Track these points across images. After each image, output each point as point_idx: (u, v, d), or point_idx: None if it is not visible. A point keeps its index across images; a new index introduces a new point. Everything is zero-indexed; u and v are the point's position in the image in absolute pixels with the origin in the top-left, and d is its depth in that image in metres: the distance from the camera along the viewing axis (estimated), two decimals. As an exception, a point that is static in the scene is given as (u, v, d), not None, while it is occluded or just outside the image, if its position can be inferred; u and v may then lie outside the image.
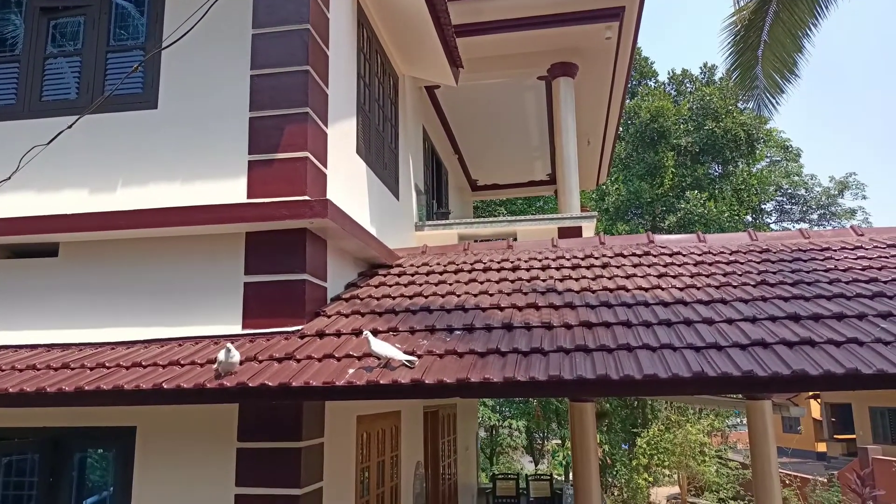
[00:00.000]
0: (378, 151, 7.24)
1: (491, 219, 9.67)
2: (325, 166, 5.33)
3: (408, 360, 3.96)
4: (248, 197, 4.98)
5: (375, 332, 4.50)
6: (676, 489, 22.33)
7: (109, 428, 4.84)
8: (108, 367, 4.36)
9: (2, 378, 4.32)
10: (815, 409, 31.38)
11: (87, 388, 3.99)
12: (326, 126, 5.40)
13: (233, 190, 5.02)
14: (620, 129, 14.04)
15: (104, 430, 4.86)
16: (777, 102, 8.26)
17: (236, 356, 4.02)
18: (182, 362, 4.31)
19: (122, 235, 5.08)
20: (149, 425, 4.79)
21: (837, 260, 5.69)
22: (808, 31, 7.80)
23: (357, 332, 4.69)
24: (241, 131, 5.10)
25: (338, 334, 4.70)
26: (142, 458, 4.76)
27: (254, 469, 4.53)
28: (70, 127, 4.47)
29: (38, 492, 4.77)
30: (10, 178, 4.46)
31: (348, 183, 6.02)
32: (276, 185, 4.95)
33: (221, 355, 3.97)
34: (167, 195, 5.09)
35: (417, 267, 6.60)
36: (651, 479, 21.21)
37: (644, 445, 21.10)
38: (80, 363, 4.46)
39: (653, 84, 31.19)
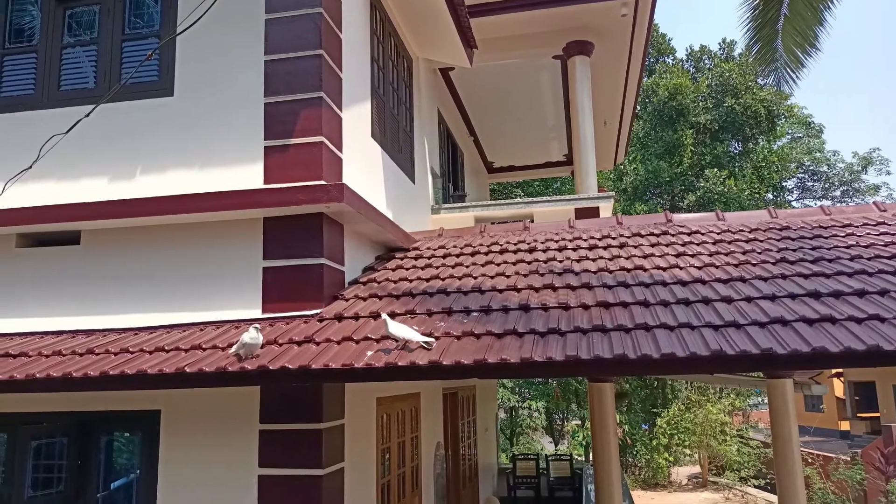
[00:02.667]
0: (393, 135, 7.23)
1: (507, 201, 9.64)
2: (341, 150, 5.35)
3: (425, 342, 3.98)
4: (265, 182, 5.02)
5: (393, 315, 4.53)
6: (697, 468, 22.31)
7: (135, 412, 4.94)
8: (132, 352, 4.44)
9: (29, 364, 4.42)
10: (838, 387, 31.08)
11: (111, 372, 4.07)
12: (341, 110, 5.41)
13: (250, 176, 5.06)
14: (638, 107, 13.89)
15: (130, 413, 4.97)
16: (797, 77, 8.09)
17: (259, 338, 4.07)
18: (204, 346, 4.38)
19: (143, 222, 5.14)
20: (173, 409, 4.88)
21: (859, 236, 5.61)
22: (829, 3, 7.62)
23: (375, 315, 4.73)
24: (256, 117, 5.13)
25: (356, 317, 4.74)
26: (167, 440, 4.86)
27: (276, 450, 4.61)
28: (88, 115, 4.52)
29: (67, 474, 4.89)
30: (31, 167, 4.53)
31: (364, 167, 6.03)
32: (292, 170, 4.98)
33: (246, 336, 4.01)
34: (185, 182, 5.14)
35: (434, 250, 6.62)
36: (672, 458, 21.20)
37: (664, 425, 21.08)
38: (104, 349, 4.55)
39: (671, 61, 30.73)
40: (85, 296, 5.24)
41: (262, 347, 4.20)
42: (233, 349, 4.10)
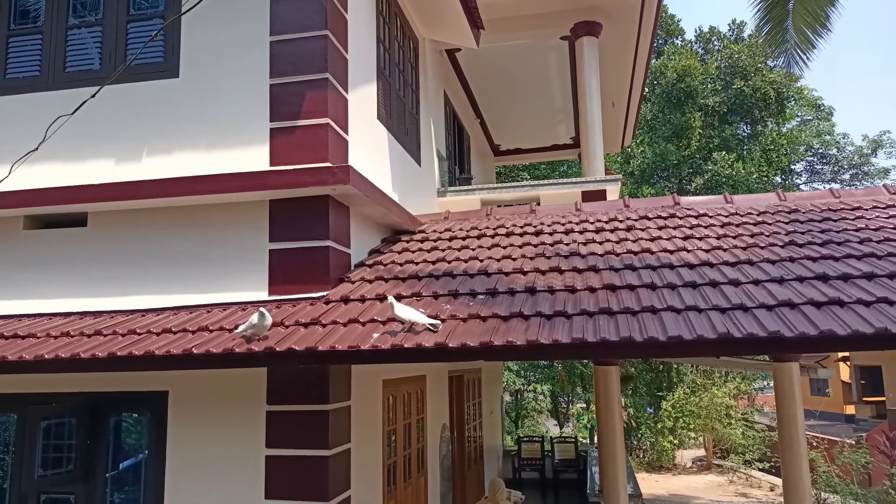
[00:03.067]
0: (399, 117, 7.19)
1: (514, 184, 9.59)
2: (347, 132, 5.32)
3: (431, 324, 3.98)
4: (271, 164, 5.00)
5: (399, 298, 4.52)
6: (702, 452, 22.38)
7: (143, 393, 4.98)
8: (140, 334, 4.46)
9: (38, 345, 4.45)
10: (844, 371, 31.03)
11: (119, 353, 4.10)
12: (347, 92, 5.38)
13: (256, 157, 5.04)
14: (646, 89, 13.74)
15: (138, 394, 5.01)
16: (808, 59, 8.00)
17: (269, 319, 4.08)
18: (211, 328, 4.40)
19: (149, 204, 5.15)
20: (181, 390, 4.92)
21: (869, 219, 5.57)
22: (842, -17, 7.51)
23: (381, 298, 4.73)
24: (262, 98, 5.10)
25: (362, 300, 4.74)
26: (175, 421, 4.90)
27: (283, 431, 4.64)
28: (94, 96, 4.51)
29: (76, 454, 4.95)
30: (37, 148, 4.53)
31: (370, 149, 6.01)
32: (298, 152, 4.96)
33: (255, 318, 4.03)
34: (191, 164, 5.13)
35: (440, 233, 6.61)
36: (676, 441, 21.28)
37: (669, 409, 21.13)
38: (112, 330, 4.57)
39: (679, 42, 30.39)
40: (92, 278, 5.26)
41: (269, 329, 4.22)
42: (240, 329, 4.11)
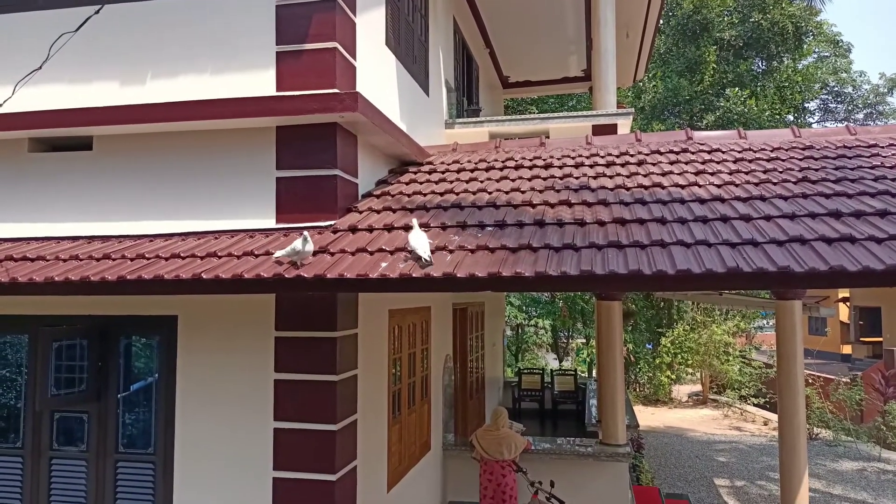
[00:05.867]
0: (408, 44, 7.00)
1: (523, 116, 9.42)
2: (354, 58, 5.19)
3: (425, 259, 3.92)
4: (278, 90, 4.90)
5: (408, 228, 4.47)
6: (698, 387, 22.87)
7: (152, 317, 5.05)
8: (148, 258, 4.48)
9: (47, 267, 4.48)
10: (844, 312, 31.31)
11: (129, 277, 4.12)
12: (355, 15, 5.21)
13: (262, 82, 4.94)
14: (661, 20, 13.29)
15: (147, 318, 5.07)
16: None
17: (311, 245, 4.06)
18: (219, 254, 4.40)
19: (155, 129, 5.07)
20: (190, 315, 4.98)
21: (885, 157, 5.47)
22: None
23: (389, 228, 4.72)
24: (268, 20, 4.95)
25: (370, 229, 4.73)
26: (184, 345, 4.98)
27: (292, 356, 4.72)
28: (97, 12, 4.37)
29: (88, 375, 5.05)
30: (40, 67, 4.44)
31: (378, 76, 5.87)
32: (305, 77, 4.85)
33: (298, 243, 4.01)
34: (197, 88, 5.02)
35: (448, 164, 6.53)
36: (674, 376, 21.70)
37: (668, 345, 21.46)
38: (120, 254, 4.59)
39: (697, -28, 29.20)
40: (99, 202, 5.24)
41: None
42: (280, 253, 4.06)
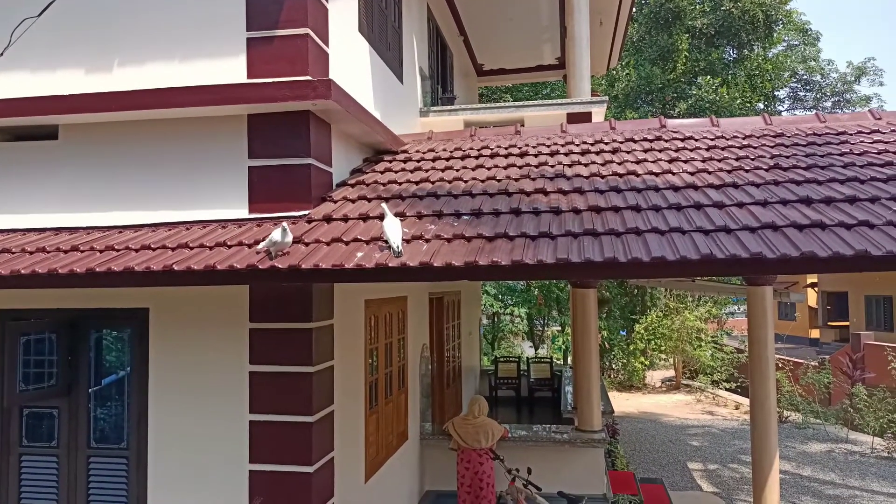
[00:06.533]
0: (381, 30, 6.92)
1: (497, 104, 9.40)
2: (327, 44, 5.11)
3: (395, 247, 3.91)
4: (249, 77, 4.81)
5: (383, 217, 4.43)
6: (671, 373, 23.22)
7: (123, 309, 4.95)
8: (118, 250, 4.38)
9: (13, 260, 4.36)
10: (812, 297, 32.02)
11: (98, 269, 4.03)
12: (327, 0, 5.13)
13: (232, 69, 4.84)
14: (634, 8, 13.33)
15: (118, 311, 4.98)
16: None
17: (290, 236, 4.00)
18: (191, 245, 4.33)
19: (122, 117, 4.95)
20: (162, 307, 4.89)
21: (853, 144, 5.56)
22: None
23: (364, 217, 4.68)
24: (238, 5, 4.85)
25: (345, 219, 4.68)
26: (157, 338, 4.89)
27: (267, 348, 4.66)
28: (58, -1, 4.23)
29: (58, 369, 4.95)
30: (1, 54, 4.29)
31: (351, 63, 5.79)
32: (276, 64, 4.77)
33: (276, 234, 3.95)
34: (165, 75, 4.91)
35: (423, 153, 6.49)
36: (647, 362, 22.00)
37: (642, 331, 21.73)
38: (89, 246, 4.49)
39: (669, -40, 29.33)
40: (66, 193, 5.11)
41: (249, 248, 4.16)
42: (261, 245, 4.02)
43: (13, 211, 5.16)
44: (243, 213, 4.86)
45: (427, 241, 4.14)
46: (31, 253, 4.49)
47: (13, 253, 4.51)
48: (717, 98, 23.39)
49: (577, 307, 8.80)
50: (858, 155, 5.23)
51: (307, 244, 4.23)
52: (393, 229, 4.01)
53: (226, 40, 4.86)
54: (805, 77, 32.02)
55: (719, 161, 5.41)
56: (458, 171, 5.76)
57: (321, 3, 5.01)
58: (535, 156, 6.11)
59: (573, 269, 3.74)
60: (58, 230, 5.02)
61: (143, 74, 4.95)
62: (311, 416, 4.59)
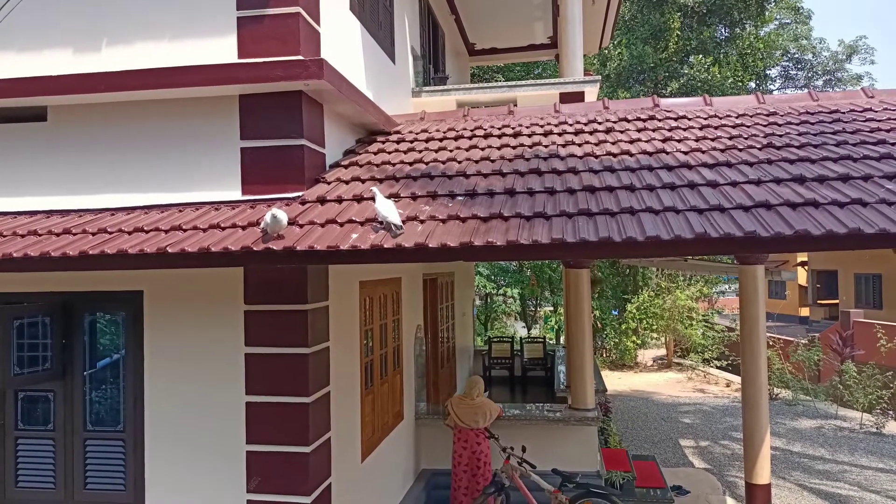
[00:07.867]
0: (373, 9, 6.85)
1: (490, 84, 9.34)
2: (318, 24, 5.06)
3: (395, 225, 3.93)
4: (240, 57, 4.76)
5: (373, 199, 4.41)
6: (663, 351, 23.41)
7: (117, 292, 4.94)
8: (111, 233, 4.35)
9: (4, 243, 4.33)
10: (802, 275, 32.25)
11: (91, 252, 4.01)
12: (318, -21, 5.06)
13: (222, 49, 4.79)
14: (627, -14, 13.23)
15: (112, 294, 4.96)
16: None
17: (283, 220, 3.97)
18: (184, 227, 4.31)
19: (112, 98, 4.90)
20: (156, 289, 4.88)
21: (846, 122, 5.57)
22: None
23: (358, 199, 4.66)
24: (227, -16, 4.78)
25: (339, 200, 4.66)
26: (151, 320, 4.88)
27: (262, 330, 4.67)
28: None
29: (52, 352, 4.93)
30: (-14, 35, 4.22)
31: (343, 43, 5.74)
32: (267, 43, 4.71)
33: (267, 218, 3.93)
34: (154, 56, 4.85)
35: (416, 133, 6.46)
36: (639, 341, 22.16)
37: (634, 311, 21.86)
38: (81, 228, 4.46)
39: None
40: (56, 175, 5.07)
41: (245, 229, 4.14)
42: (262, 225, 4.00)
43: (3, 194, 5.11)
44: (236, 194, 4.83)
45: (422, 221, 4.13)
46: (22, 236, 4.46)
47: (4, 236, 4.48)
48: (709, 77, 23.37)
49: (571, 287, 8.83)
50: (851, 133, 5.24)
51: (301, 226, 4.22)
52: (389, 209, 4.01)
53: (216, 19, 4.80)
54: (797, 56, 32.01)
55: (713, 140, 5.41)
56: (451, 151, 5.74)
57: (312, -18, 4.94)
58: (529, 136, 6.09)
59: (568, 248, 3.74)
60: (49, 213, 4.99)
61: (132, 54, 4.89)
62: (307, 397, 4.61)
